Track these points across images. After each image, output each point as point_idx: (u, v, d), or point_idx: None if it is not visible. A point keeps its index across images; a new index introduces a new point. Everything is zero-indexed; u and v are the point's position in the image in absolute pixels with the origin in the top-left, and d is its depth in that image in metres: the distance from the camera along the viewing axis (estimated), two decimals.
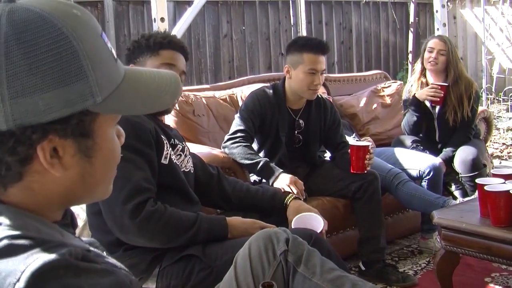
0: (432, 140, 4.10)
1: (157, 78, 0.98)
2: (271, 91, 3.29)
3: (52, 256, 0.77)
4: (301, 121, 3.32)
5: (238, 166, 3.09)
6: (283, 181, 2.93)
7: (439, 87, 3.86)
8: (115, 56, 0.94)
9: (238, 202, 2.48)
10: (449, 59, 3.91)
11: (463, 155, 3.88)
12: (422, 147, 3.95)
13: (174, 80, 1.00)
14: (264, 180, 3.15)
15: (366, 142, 3.27)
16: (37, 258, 0.76)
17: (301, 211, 2.38)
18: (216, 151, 3.14)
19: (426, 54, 3.97)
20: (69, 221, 0.99)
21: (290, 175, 2.98)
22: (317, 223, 2.32)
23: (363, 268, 3.28)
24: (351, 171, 3.14)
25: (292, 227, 2.27)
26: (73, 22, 0.86)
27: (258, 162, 3.04)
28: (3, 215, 0.84)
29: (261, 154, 3.28)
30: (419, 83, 4.04)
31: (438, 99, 3.86)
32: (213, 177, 2.48)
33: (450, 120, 3.95)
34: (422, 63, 4.03)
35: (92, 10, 5.89)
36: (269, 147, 3.29)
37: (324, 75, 3.27)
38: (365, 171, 3.12)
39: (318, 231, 2.24)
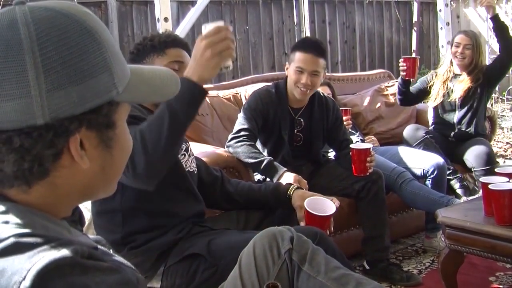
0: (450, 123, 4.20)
1: (157, 72, 1.02)
2: (273, 90, 3.30)
3: (58, 255, 0.77)
4: (301, 120, 3.32)
5: (242, 165, 3.09)
6: (287, 179, 2.93)
7: (403, 60, 4.05)
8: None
9: (242, 200, 2.47)
10: (474, 53, 4.11)
11: (477, 150, 3.92)
12: (433, 139, 3.98)
13: (171, 73, 1.05)
14: (268, 179, 3.15)
15: (368, 144, 3.26)
16: (43, 257, 0.76)
17: (306, 198, 2.36)
18: (220, 151, 3.15)
19: (453, 49, 4.18)
20: (77, 218, 0.99)
21: (294, 174, 2.97)
22: (328, 205, 2.32)
23: (367, 267, 3.28)
24: (354, 174, 3.13)
25: (306, 207, 2.26)
26: (89, 18, 0.90)
27: (262, 161, 3.04)
28: (10, 213, 0.84)
29: (265, 152, 3.28)
30: (446, 73, 4.23)
31: (405, 73, 4.01)
32: (217, 179, 2.48)
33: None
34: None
35: (95, 10, 5.89)
36: (272, 146, 3.29)
37: (321, 78, 3.23)
38: (368, 173, 3.11)
39: (332, 212, 2.26)
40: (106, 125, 0.90)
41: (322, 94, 3.42)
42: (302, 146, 3.36)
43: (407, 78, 4.07)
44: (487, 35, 7.92)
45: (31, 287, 0.74)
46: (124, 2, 6.14)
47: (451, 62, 4.23)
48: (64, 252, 0.78)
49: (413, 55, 7.99)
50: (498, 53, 4.25)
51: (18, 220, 0.83)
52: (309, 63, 3.16)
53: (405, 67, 3.99)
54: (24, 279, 0.74)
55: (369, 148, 3.08)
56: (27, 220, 0.84)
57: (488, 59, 7.81)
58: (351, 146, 3.13)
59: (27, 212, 0.86)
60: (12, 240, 0.79)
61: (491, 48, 7.99)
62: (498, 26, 4.10)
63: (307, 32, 6.81)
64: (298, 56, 3.20)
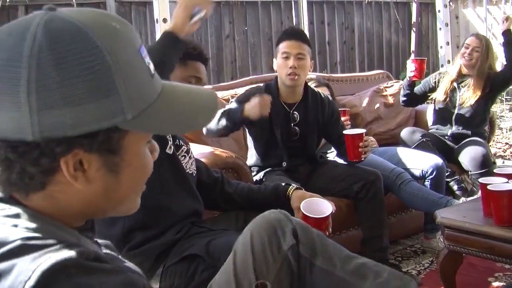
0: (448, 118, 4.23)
1: (194, 98, 0.96)
2: (264, 87, 3.37)
3: (63, 255, 0.76)
4: (296, 114, 3.32)
5: (241, 166, 3.09)
6: (252, 104, 2.96)
7: (412, 61, 4.14)
8: (152, 72, 0.91)
9: (241, 201, 2.48)
10: (482, 56, 4.15)
11: (473, 152, 3.92)
12: (430, 142, 3.99)
13: (211, 102, 0.98)
14: (264, 180, 3.17)
15: (361, 129, 3.26)
16: (49, 258, 0.76)
17: (305, 198, 2.37)
18: (218, 152, 3.15)
19: (463, 49, 4.23)
20: (89, 226, 0.98)
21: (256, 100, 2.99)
22: (326, 206, 2.32)
23: None
24: (349, 159, 3.17)
25: (302, 210, 2.27)
26: (110, 35, 0.84)
27: (222, 112, 3.05)
28: (21, 218, 0.84)
29: (258, 151, 3.33)
30: (455, 74, 4.26)
31: (413, 74, 4.09)
32: (217, 181, 2.48)
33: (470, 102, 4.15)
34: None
35: None
36: (264, 144, 3.29)
37: (307, 63, 3.25)
38: (362, 159, 3.13)
39: (328, 213, 2.26)
40: (108, 150, 0.86)
41: (316, 91, 3.44)
42: (298, 141, 3.34)
43: (414, 79, 4.11)
44: (486, 36, 7.92)
45: (36, 287, 0.73)
46: (123, 3, 6.14)
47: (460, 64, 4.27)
48: (70, 253, 0.77)
49: (412, 55, 8.01)
50: (505, 67, 4.30)
51: (27, 224, 0.82)
52: (293, 47, 3.22)
53: (414, 68, 4.03)
54: (29, 279, 0.74)
55: (362, 133, 3.11)
56: (35, 225, 0.82)
57: None
58: (344, 132, 3.15)
59: (36, 217, 0.85)
60: (19, 242, 0.78)
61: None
62: (508, 42, 4.17)
63: (305, 33, 6.81)
64: (281, 45, 3.27)
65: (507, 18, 4.29)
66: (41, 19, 0.82)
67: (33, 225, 0.82)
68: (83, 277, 0.76)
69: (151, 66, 0.91)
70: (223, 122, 3.02)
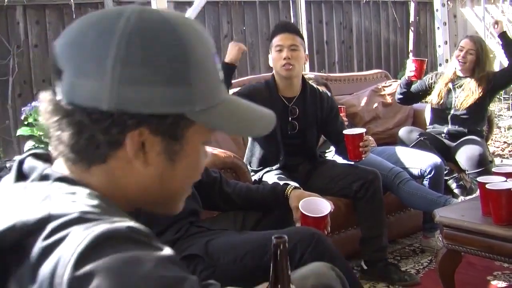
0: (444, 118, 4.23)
1: (255, 109, 1.04)
2: (262, 82, 3.42)
3: (114, 226, 0.81)
4: (295, 108, 3.32)
5: (239, 166, 3.09)
6: (230, 50, 3.25)
7: (413, 60, 4.13)
8: (221, 78, 0.99)
9: (240, 201, 2.48)
10: (476, 58, 4.13)
11: (469, 152, 3.92)
12: (428, 140, 3.99)
13: (270, 117, 1.05)
14: (264, 179, 3.16)
15: (361, 129, 3.26)
16: (101, 227, 0.80)
17: (303, 198, 2.38)
18: (217, 152, 3.14)
19: (457, 52, 4.23)
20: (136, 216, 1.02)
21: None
22: (324, 205, 2.33)
23: (365, 267, 3.28)
24: (349, 159, 3.17)
25: (300, 209, 2.27)
26: (193, 34, 0.93)
27: None
28: (79, 196, 0.88)
29: (256, 146, 3.36)
30: (450, 75, 4.26)
31: (413, 74, 4.08)
32: (216, 181, 2.48)
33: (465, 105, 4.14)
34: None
35: (92, 11, 5.87)
36: (262, 138, 3.27)
37: (301, 54, 3.27)
38: (363, 158, 3.13)
39: (327, 212, 2.26)
40: (171, 136, 0.92)
41: (315, 87, 3.44)
42: (297, 136, 3.33)
43: (413, 79, 4.12)
44: (484, 35, 7.93)
45: (84, 251, 0.77)
46: (121, 3, 6.14)
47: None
48: (122, 225, 0.82)
49: (411, 55, 8.02)
50: (506, 68, 4.27)
51: (85, 201, 0.87)
52: (286, 39, 3.24)
53: (414, 68, 4.04)
54: (79, 244, 0.78)
55: (362, 133, 3.10)
56: (93, 202, 0.87)
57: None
58: (344, 132, 3.15)
59: (94, 195, 0.89)
60: (76, 214, 0.83)
61: (488, 48, 8.00)
62: (507, 43, 4.17)
63: (304, 32, 6.81)
64: (275, 39, 3.32)
65: (496, 22, 4.26)
66: (135, 7, 0.92)
67: (90, 202, 0.87)
68: (130, 247, 0.80)
69: (221, 74, 1.00)
70: None
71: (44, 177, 0.92)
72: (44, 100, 0.93)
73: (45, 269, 0.79)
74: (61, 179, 0.91)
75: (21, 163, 0.96)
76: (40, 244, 0.81)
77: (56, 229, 0.81)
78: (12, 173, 0.96)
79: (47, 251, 0.80)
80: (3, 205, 0.89)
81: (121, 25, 0.88)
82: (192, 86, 0.91)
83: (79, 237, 0.79)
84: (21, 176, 0.95)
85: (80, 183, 0.91)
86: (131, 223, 0.83)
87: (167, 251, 0.83)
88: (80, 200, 0.87)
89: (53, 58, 0.91)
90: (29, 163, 0.96)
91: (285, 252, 1.15)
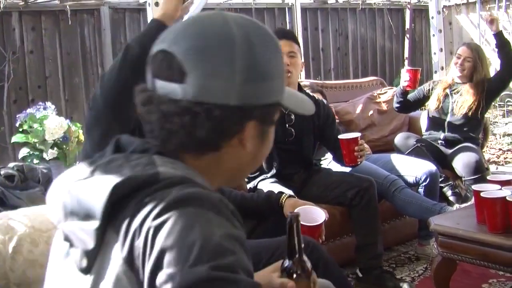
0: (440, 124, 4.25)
1: (299, 94, 1.28)
2: None
3: (208, 193, 0.92)
4: (291, 114, 3.30)
5: None
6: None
7: (407, 70, 4.15)
8: None
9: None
10: (474, 65, 4.17)
11: (466, 159, 3.93)
12: (424, 147, 4.00)
13: (308, 99, 1.28)
14: (259, 187, 3.16)
15: (356, 133, 3.25)
16: (197, 190, 0.92)
17: (298, 206, 2.37)
18: None
19: (454, 59, 4.26)
20: None
21: None
22: (319, 214, 2.32)
23: (360, 275, 3.28)
24: (345, 164, 3.15)
25: None
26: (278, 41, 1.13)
27: None
28: (178, 165, 1.00)
29: None
30: (445, 83, 4.30)
31: (407, 83, 4.10)
32: None
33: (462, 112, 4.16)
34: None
35: (88, 18, 5.88)
36: None
37: (298, 60, 3.28)
38: (358, 162, 3.11)
39: (321, 221, 2.26)
40: (270, 121, 1.10)
41: (312, 94, 3.44)
42: (293, 143, 3.32)
43: (408, 89, 4.13)
44: (479, 42, 7.96)
45: (172, 202, 0.88)
46: (117, 9, 6.13)
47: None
48: (215, 195, 0.93)
49: (406, 63, 8.03)
50: (499, 68, 4.30)
51: (186, 171, 0.99)
52: (284, 46, 3.20)
53: (409, 78, 4.05)
54: (170, 198, 0.89)
55: (357, 137, 3.08)
56: (193, 173, 1.00)
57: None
58: (339, 136, 3.13)
59: (193, 172, 1.01)
60: (180, 177, 0.95)
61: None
62: (502, 43, 4.19)
63: (299, 39, 6.82)
64: None
65: (492, 20, 4.27)
66: (226, 14, 1.07)
67: (191, 173, 0.99)
68: (211, 214, 0.89)
69: None
70: None
71: (144, 150, 1.03)
72: (150, 99, 1.04)
73: (138, 218, 0.89)
74: (160, 153, 1.03)
75: (117, 140, 1.09)
76: (144, 198, 0.91)
77: (161, 187, 0.92)
78: (109, 148, 1.08)
79: (145, 204, 0.90)
80: (106, 168, 1.00)
81: (235, 31, 1.03)
82: (282, 78, 1.10)
83: (174, 193, 0.90)
84: (117, 150, 1.08)
85: (178, 160, 1.04)
86: (224, 198, 0.94)
87: (241, 233, 0.91)
88: (181, 168, 0.99)
89: (175, 62, 1.01)
90: (126, 139, 1.08)
91: (298, 227, 1.30)
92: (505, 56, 4.18)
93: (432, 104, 4.26)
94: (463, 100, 4.14)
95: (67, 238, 1.01)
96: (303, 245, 1.31)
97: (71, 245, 1.00)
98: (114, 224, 0.93)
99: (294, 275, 1.30)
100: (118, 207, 0.93)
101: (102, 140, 1.99)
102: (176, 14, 1.94)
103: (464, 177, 3.93)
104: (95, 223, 0.93)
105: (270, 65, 1.06)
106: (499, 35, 4.20)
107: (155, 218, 0.88)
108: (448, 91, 4.23)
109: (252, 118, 1.05)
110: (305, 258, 1.31)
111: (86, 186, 0.97)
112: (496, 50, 4.29)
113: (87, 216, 0.94)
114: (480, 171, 3.87)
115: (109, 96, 1.81)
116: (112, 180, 0.94)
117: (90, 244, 0.94)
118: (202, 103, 1.00)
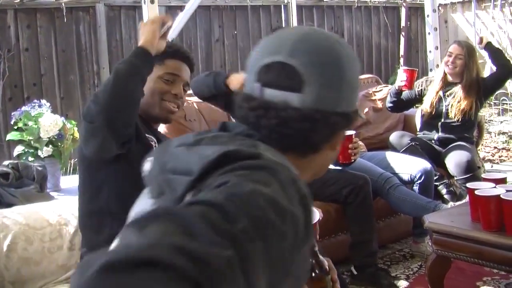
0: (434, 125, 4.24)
1: None
2: None
3: (291, 169, 0.95)
4: None
5: None
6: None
7: (404, 70, 4.14)
8: None
9: None
10: (465, 62, 4.15)
11: (457, 158, 3.93)
12: (419, 146, 4.00)
13: None
14: None
15: (350, 131, 3.25)
16: (282, 165, 0.94)
17: None
18: None
19: (446, 58, 4.25)
20: None
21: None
22: (313, 213, 2.33)
23: (355, 272, 3.28)
24: (339, 162, 3.15)
25: None
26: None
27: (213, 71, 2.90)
28: (279, 155, 1.01)
29: None
30: (440, 82, 4.26)
31: (404, 84, 4.08)
32: None
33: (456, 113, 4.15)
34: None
35: (84, 15, 5.88)
36: None
37: None
38: (352, 160, 3.12)
39: (316, 220, 2.26)
40: (348, 128, 1.18)
41: None
42: None
43: (404, 89, 4.11)
44: (474, 40, 7.97)
45: (246, 166, 0.89)
46: (112, 7, 6.13)
47: (444, 72, 4.28)
48: (296, 173, 0.95)
49: (401, 60, 8.04)
50: (496, 70, 4.32)
51: (284, 161, 1.00)
52: None
53: (405, 78, 4.04)
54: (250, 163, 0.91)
55: (352, 135, 3.08)
56: (289, 165, 0.99)
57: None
58: None
59: (291, 164, 1.01)
60: (276, 161, 0.95)
61: (479, 53, 8.04)
62: (493, 53, 4.27)
63: None
64: None
65: (481, 39, 4.37)
66: (332, 35, 1.19)
67: (288, 163, 0.99)
68: (276, 186, 0.85)
69: None
70: (210, 78, 2.80)
71: (248, 135, 1.09)
72: (266, 106, 1.09)
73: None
74: (263, 141, 1.06)
75: (224, 123, 1.15)
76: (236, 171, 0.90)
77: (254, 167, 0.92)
78: (216, 128, 1.14)
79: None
80: (212, 141, 1.03)
81: (341, 49, 1.13)
82: (356, 94, 1.20)
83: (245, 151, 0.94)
84: (223, 130, 1.13)
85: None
86: (299, 179, 0.94)
87: (296, 213, 0.85)
88: (281, 158, 1.00)
89: (296, 74, 1.08)
90: (234, 123, 1.14)
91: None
92: (501, 62, 4.23)
93: (425, 109, 4.24)
94: (458, 105, 4.12)
95: (157, 189, 1.05)
96: (316, 247, 1.34)
97: (159, 195, 1.04)
98: (203, 184, 0.93)
99: (313, 274, 1.33)
100: (212, 173, 0.94)
101: (99, 150, 2.02)
102: (155, 41, 2.05)
103: (456, 176, 3.93)
104: (191, 178, 0.95)
105: (356, 79, 1.17)
106: (488, 46, 4.26)
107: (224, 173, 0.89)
108: (441, 93, 4.21)
109: (347, 124, 1.15)
110: (321, 258, 1.34)
111: (190, 150, 1.02)
112: (491, 60, 4.32)
113: (183, 173, 0.97)
114: (471, 170, 3.86)
115: (108, 114, 1.88)
116: (219, 149, 0.96)
117: (180, 191, 0.96)
118: (319, 110, 1.09)
